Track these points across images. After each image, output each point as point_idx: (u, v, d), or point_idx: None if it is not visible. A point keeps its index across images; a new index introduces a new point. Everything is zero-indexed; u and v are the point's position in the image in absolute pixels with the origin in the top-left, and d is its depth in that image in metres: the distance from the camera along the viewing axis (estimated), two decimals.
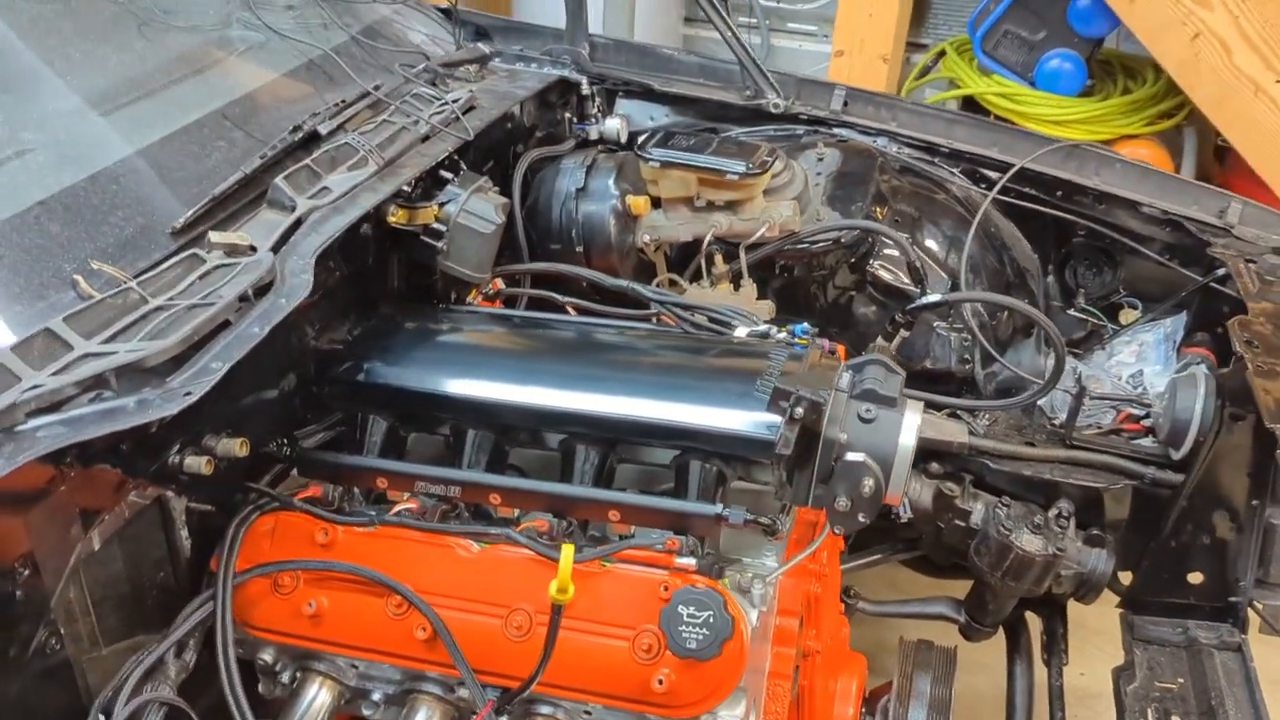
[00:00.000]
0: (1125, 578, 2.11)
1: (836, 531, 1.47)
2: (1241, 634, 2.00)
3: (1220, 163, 4.13)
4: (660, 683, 1.31)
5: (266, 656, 1.50)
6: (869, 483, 1.40)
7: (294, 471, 1.63)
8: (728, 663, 1.30)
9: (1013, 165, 2.34)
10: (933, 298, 1.98)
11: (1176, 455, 2.03)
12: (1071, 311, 2.48)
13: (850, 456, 1.41)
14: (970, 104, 4.13)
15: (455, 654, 1.37)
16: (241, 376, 1.36)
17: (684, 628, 1.29)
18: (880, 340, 2.04)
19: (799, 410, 1.42)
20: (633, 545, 1.41)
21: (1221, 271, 2.19)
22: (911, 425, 1.45)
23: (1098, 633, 2.64)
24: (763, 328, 1.75)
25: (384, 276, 1.90)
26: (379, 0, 2.34)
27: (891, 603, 2.24)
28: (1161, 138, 3.93)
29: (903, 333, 2.04)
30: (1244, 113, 3.33)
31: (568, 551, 1.19)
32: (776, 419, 1.44)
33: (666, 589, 1.34)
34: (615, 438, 1.56)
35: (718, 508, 1.41)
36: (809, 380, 1.48)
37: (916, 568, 2.31)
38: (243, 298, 1.41)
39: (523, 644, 1.38)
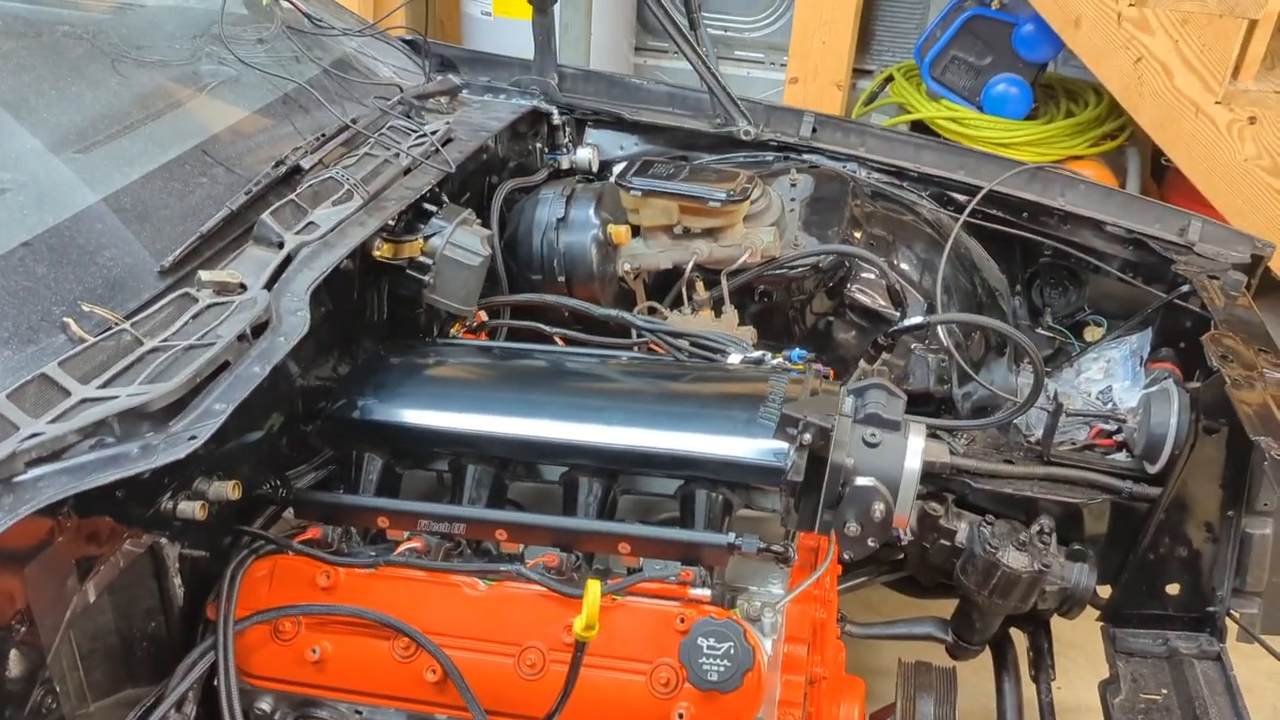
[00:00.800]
0: (1104, 591, 2.15)
1: (846, 557, 1.47)
2: (1220, 643, 2.04)
3: (1158, 181, 4.26)
4: (680, 716, 1.30)
5: (265, 705, 1.46)
6: (879, 507, 1.41)
7: (287, 513, 1.59)
8: (747, 694, 1.30)
9: (980, 188, 2.39)
10: (914, 320, 2.00)
11: (1152, 469, 2.07)
12: (1040, 330, 2.53)
13: (860, 481, 1.42)
14: (919, 128, 4.21)
15: (467, 695, 1.34)
16: (233, 418, 1.33)
17: (705, 660, 1.28)
18: (863, 363, 2.05)
19: (807, 436, 1.42)
20: (649, 578, 1.39)
21: (1185, 288, 2.25)
22: (916, 448, 1.46)
23: (1072, 645, 2.68)
24: (756, 354, 1.75)
25: (367, 311, 1.87)
26: (348, 33, 2.31)
27: (878, 624, 2.25)
28: (1105, 158, 4.04)
29: (884, 355, 2.05)
30: (1185, 133, 3.44)
31: (594, 588, 1.18)
32: (784, 445, 1.44)
33: (683, 621, 1.33)
34: (619, 469, 1.54)
35: (730, 537, 1.41)
36: (814, 406, 1.49)
37: (900, 588, 2.32)
38: (241, 337, 1.38)
39: (536, 683, 1.36)
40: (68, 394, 1.24)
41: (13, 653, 1.18)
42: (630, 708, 1.34)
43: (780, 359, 1.71)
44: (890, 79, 4.43)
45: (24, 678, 1.20)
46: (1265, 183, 3.39)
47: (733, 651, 1.28)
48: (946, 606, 2.23)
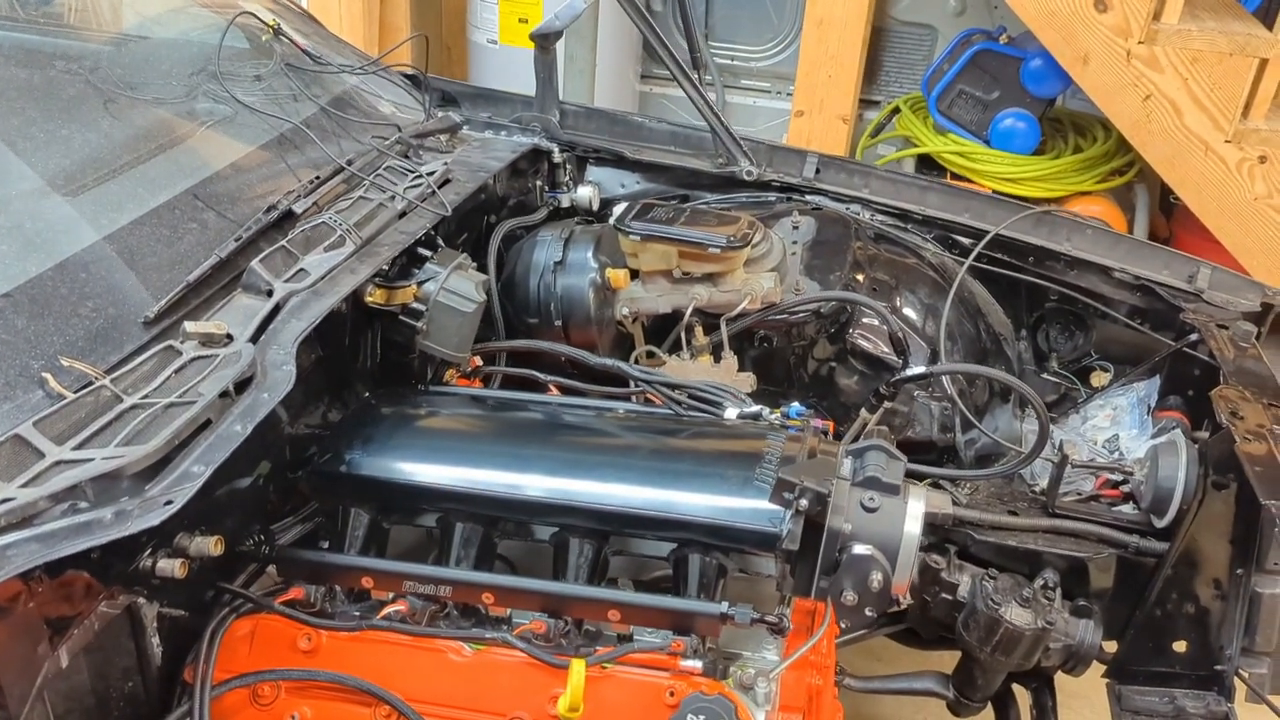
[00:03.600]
0: (1110, 646, 2.10)
1: (841, 625, 1.43)
2: (1228, 702, 1.99)
3: (1167, 217, 4.22)
4: None
5: None
6: (877, 577, 1.37)
7: (270, 569, 1.55)
8: None
9: (985, 231, 2.35)
10: (917, 370, 1.97)
11: (1160, 523, 2.03)
12: (1045, 375, 2.49)
13: (857, 550, 1.38)
14: (926, 161, 4.19)
15: None
16: (218, 471, 1.29)
17: None
18: (864, 412, 2.02)
19: (804, 502, 1.39)
20: (637, 649, 1.35)
21: (1193, 336, 2.21)
22: (916, 513, 1.42)
23: (1076, 696, 2.63)
24: (754, 409, 1.71)
25: (359, 357, 1.84)
26: (346, 70, 2.29)
27: (878, 679, 2.20)
28: (1113, 194, 4.01)
29: (886, 404, 2.02)
30: (1195, 172, 3.41)
31: (579, 667, 1.14)
32: (780, 511, 1.40)
33: (673, 694, 1.30)
34: (611, 530, 1.51)
35: (722, 606, 1.37)
36: (811, 470, 1.45)
37: (901, 640, 2.27)
38: (223, 394, 1.34)
39: None
40: (42, 455, 1.21)
41: None
42: None
43: (778, 415, 1.67)
44: (897, 111, 4.41)
45: None
46: (1275, 222, 3.35)
47: None
48: (949, 658, 2.19)
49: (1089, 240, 2.36)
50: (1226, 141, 3.34)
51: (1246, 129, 3.31)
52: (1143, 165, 3.79)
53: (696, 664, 1.34)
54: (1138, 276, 2.31)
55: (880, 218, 2.45)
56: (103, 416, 1.29)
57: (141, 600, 1.36)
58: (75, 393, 1.31)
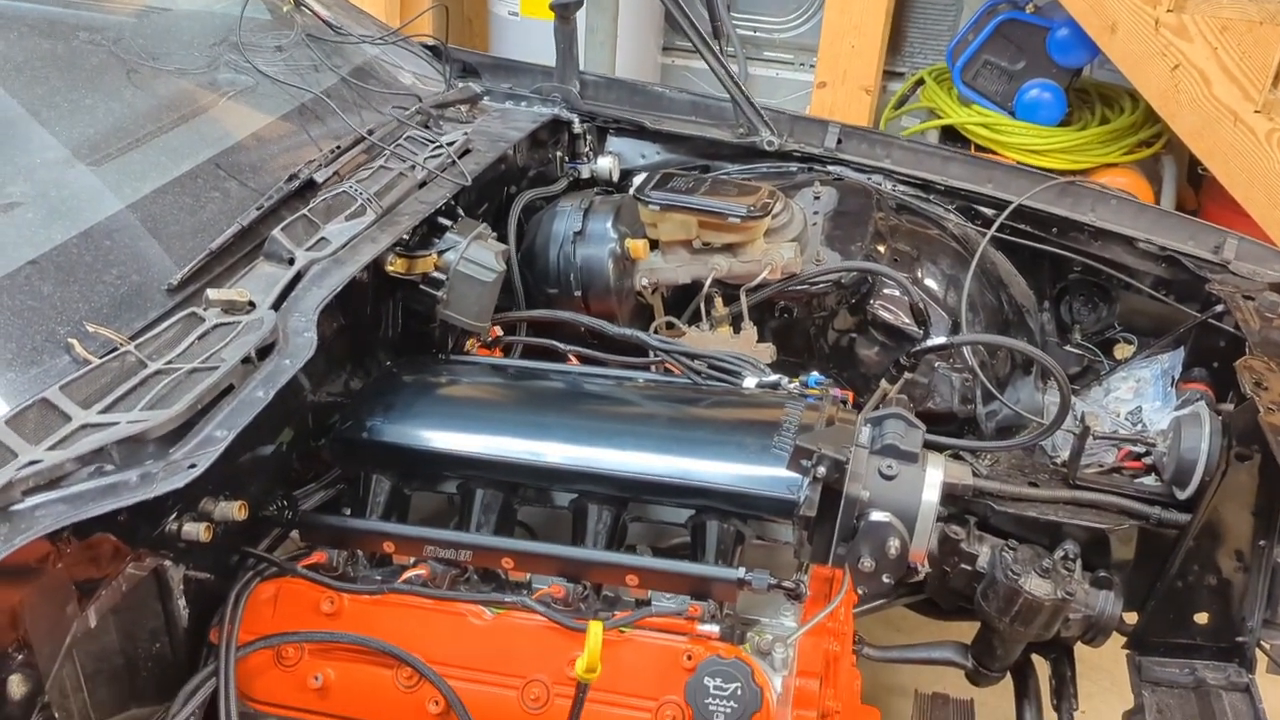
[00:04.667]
0: (1130, 618, 2.10)
1: (859, 591, 1.43)
2: (1249, 674, 1.99)
3: (1195, 189, 4.17)
4: None
5: None
6: (894, 543, 1.37)
7: (293, 534, 1.57)
8: None
9: (1008, 202, 2.33)
10: (937, 341, 1.96)
11: (1182, 495, 2.02)
12: (1068, 347, 2.48)
13: (875, 516, 1.38)
14: (950, 133, 4.15)
15: None
16: (240, 438, 1.31)
17: (710, 700, 1.25)
18: (884, 383, 2.01)
19: (821, 470, 1.38)
20: (655, 613, 1.36)
21: (1219, 308, 2.19)
22: (935, 482, 1.42)
23: (1097, 668, 2.63)
24: (772, 378, 1.72)
25: (380, 326, 1.85)
26: (367, 40, 2.29)
27: (897, 648, 2.21)
28: (1140, 166, 3.96)
29: (906, 375, 2.01)
30: (1223, 142, 3.36)
31: (596, 630, 1.15)
32: (798, 478, 1.40)
33: (690, 658, 1.30)
34: (629, 497, 1.52)
35: (740, 572, 1.38)
36: (829, 437, 1.45)
37: (920, 610, 2.28)
38: (245, 360, 1.36)
39: (539, 716, 1.33)
40: (68, 419, 1.23)
41: (11, 679, 1.17)
42: None
43: (797, 384, 1.67)
44: (921, 82, 4.36)
45: (22, 704, 1.19)
46: None
47: (740, 693, 1.25)
48: (968, 627, 2.19)
49: (1113, 211, 2.34)
50: (1256, 112, 3.28)
51: (1276, 99, 3.25)
52: (1170, 136, 3.74)
53: (714, 629, 1.35)
54: (1163, 247, 2.29)
55: (902, 188, 2.43)
56: (128, 381, 1.31)
57: (168, 563, 1.38)
58: (100, 358, 1.33)
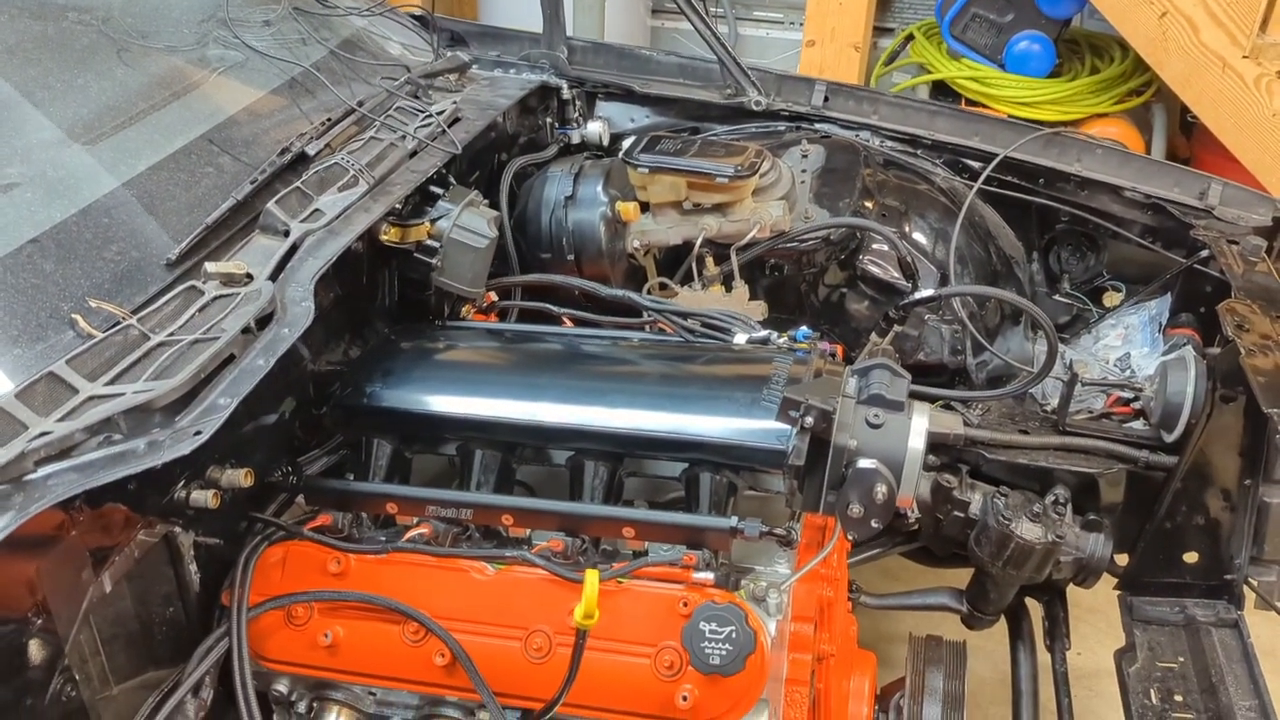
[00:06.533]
0: (1122, 560, 2.14)
1: (850, 538, 1.47)
2: (1237, 610, 2.03)
3: (1188, 137, 4.17)
4: (684, 699, 1.31)
5: (281, 687, 1.50)
6: (881, 489, 1.41)
7: (299, 499, 1.61)
8: (750, 676, 1.31)
9: (995, 155, 2.35)
10: (925, 293, 1.99)
11: (1169, 438, 2.05)
12: (1057, 297, 2.51)
13: (862, 463, 1.42)
14: (940, 88, 4.15)
15: (476, 679, 1.36)
16: (243, 406, 1.35)
17: (706, 644, 1.29)
18: (874, 336, 2.04)
19: (809, 420, 1.42)
20: (651, 563, 1.41)
21: (1204, 253, 2.22)
22: (920, 429, 1.46)
23: (1092, 611, 2.68)
24: (762, 333, 1.75)
25: (377, 294, 1.88)
26: (354, 12, 2.30)
27: (893, 595, 2.26)
28: (1130, 115, 3.96)
29: (896, 328, 2.04)
30: (1212, 89, 3.36)
31: (593, 578, 1.19)
32: (787, 429, 1.44)
33: (686, 605, 1.35)
34: (624, 452, 1.55)
35: (732, 521, 1.42)
36: (816, 388, 1.48)
37: (915, 558, 2.33)
38: (246, 330, 1.39)
39: (543, 665, 1.38)
40: (75, 391, 1.26)
41: (31, 644, 1.21)
42: (635, 690, 1.36)
43: (786, 339, 1.70)
44: (910, 38, 4.36)
45: (43, 667, 1.24)
46: None
47: (734, 635, 1.29)
48: (963, 575, 2.24)
49: (1099, 160, 2.36)
50: (1244, 57, 3.29)
51: (1264, 43, 3.26)
52: (1160, 85, 3.74)
53: (709, 576, 1.39)
54: (1148, 195, 2.31)
55: (889, 144, 2.45)
56: (132, 354, 1.34)
57: (178, 530, 1.42)
58: (104, 332, 1.37)
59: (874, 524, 1.43)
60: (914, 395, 1.53)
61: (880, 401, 1.48)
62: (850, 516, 1.43)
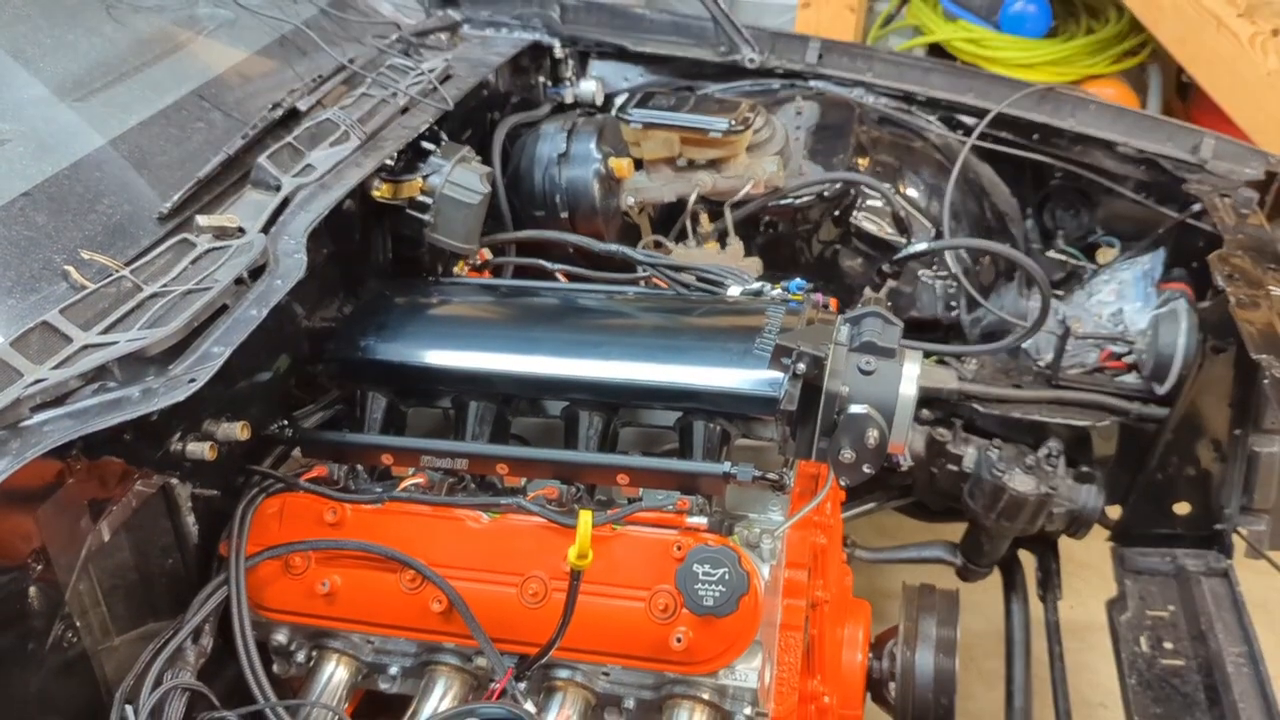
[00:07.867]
0: (1114, 512, 2.16)
1: (842, 483, 1.48)
2: (1227, 559, 2.06)
3: (1184, 99, 4.16)
4: (678, 640, 1.33)
5: (280, 637, 1.51)
6: (873, 434, 1.42)
7: (295, 452, 1.62)
8: (743, 618, 1.32)
9: (989, 111, 2.35)
10: (919, 246, 2.00)
11: (1161, 390, 2.07)
12: (1051, 253, 2.51)
13: (853, 409, 1.43)
14: (936, 50, 4.13)
15: (473, 625, 1.38)
16: (238, 360, 1.35)
17: (700, 586, 1.31)
18: (868, 291, 2.05)
19: (801, 366, 1.43)
20: (645, 508, 1.42)
21: (1197, 207, 2.23)
22: (911, 375, 1.46)
23: (1085, 565, 2.70)
24: (755, 285, 1.75)
25: (370, 251, 1.88)
26: None
27: (888, 549, 2.28)
28: (1126, 76, 3.95)
29: (890, 283, 2.05)
30: (1206, 48, 3.35)
31: (586, 518, 1.20)
32: (779, 375, 1.45)
33: (680, 549, 1.36)
34: (619, 402, 1.56)
35: (725, 466, 1.42)
36: (808, 336, 1.49)
37: (910, 513, 2.35)
38: (238, 280, 1.40)
39: (538, 610, 1.39)
40: (69, 340, 1.27)
41: (31, 590, 1.23)
42: (630, 633, 1.37)
43: (779, 289, 1.71)
44: (906, 0, 4.33)
45: (44, 613, 1.25)
46: None
47: (727, 577, 1.30)
48: (957, 530, 2.26)
49: (1092, 116, 2.36)
50: (1239, 15, 3.27)
51: (1259, 1, 3.25)
52: (1155, 46, 3.73)
53: (702, 520, 1.40)
54: (1141, 150, 2.31)
55: (884, 101, 2.45)
56: (125, 304, 1.35)
57: (175, 481, 1.43)
58: (97, 284, 1.37)
59: (866, 469, 1.44)
60: (921, 352, 1.53)
61: (872, 349, 1.49)
62: (842, 462, 1.44)
